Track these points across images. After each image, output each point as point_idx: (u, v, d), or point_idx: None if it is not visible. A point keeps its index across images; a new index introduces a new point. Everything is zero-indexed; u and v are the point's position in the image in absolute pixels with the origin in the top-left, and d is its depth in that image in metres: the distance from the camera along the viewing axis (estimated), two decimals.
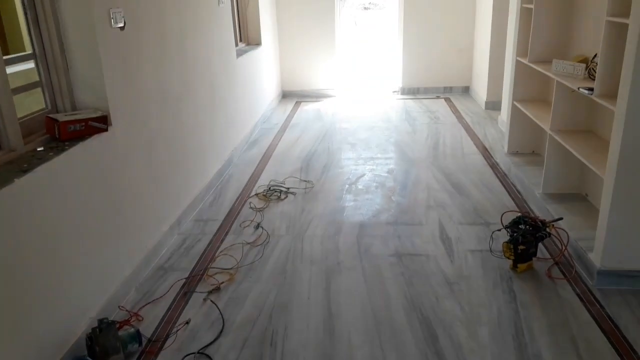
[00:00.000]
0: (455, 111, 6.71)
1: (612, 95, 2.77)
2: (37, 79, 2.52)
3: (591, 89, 2.95)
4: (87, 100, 2.65)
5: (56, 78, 2.57)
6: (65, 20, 2.52)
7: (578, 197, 3.61)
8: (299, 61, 7.84)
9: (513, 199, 3.92)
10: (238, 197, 4.21)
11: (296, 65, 7.87)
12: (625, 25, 2.55)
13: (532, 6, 3.94)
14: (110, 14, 2.68)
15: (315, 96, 7.92)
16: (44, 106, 2.57)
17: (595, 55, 3.19)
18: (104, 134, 2.59)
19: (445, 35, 7.46)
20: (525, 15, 4.18)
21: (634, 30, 2.38)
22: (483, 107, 6.70)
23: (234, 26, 5.59)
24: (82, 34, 2.55)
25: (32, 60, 2.51)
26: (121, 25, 2.80)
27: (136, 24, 2.99)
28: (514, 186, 4.15)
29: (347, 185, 4.38)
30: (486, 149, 5.12)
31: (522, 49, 4.25)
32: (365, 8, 27.90)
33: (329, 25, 7.62)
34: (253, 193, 4.29)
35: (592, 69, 3.21)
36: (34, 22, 2.46)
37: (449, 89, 7.73)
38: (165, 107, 3.41)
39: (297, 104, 7.57)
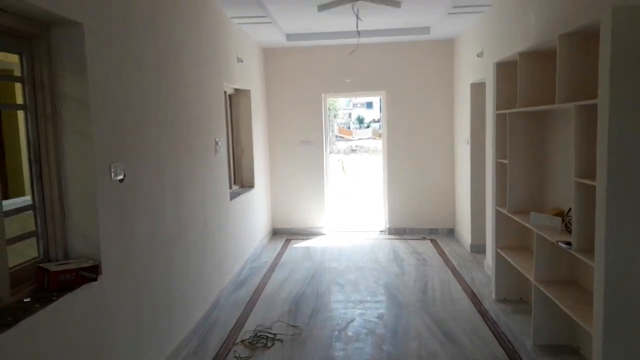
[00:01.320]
0: (441, 253, 6.81)
1: (590, 249, 2.88)
2: (33, 224, 2.60)
3: (569, 243, 3.07)
4: (80, 249, 2.70)
5: (52, 228, 2.64)
6: (67, 174, 2.67)
7: (570, 350, 3.55)
8: (290, 201, 8.12)
9: (505, 350, 3.84)
10: (223, 344, 4.08)
11: (287, 205, 8.14)
12: (593, 186, 2.75)
13: (506, 161, 4.25)
14: (111, 167, 2.85)
15: (305, 234, 8.06)
16: (37, 255, 2.61)
17: (570, 210, 3.38)
18: (93, 283, 2.60)
19: (427, 179, 7.86)
20: (500, 168, 4.49)
21: (601, 193, 2.56)
22: (468, 249, 6.83)
23: (229, 170, 5.88)
24: (82, 187, 2.68)
25: (31, 210, 2.60)
26: (121, 177, 2.97)
27: (135, 175, 3.16)
28: (505, 336, 4.08)
29: (336, 332, 4.28)
30: (474, 295, 5.11)
31: (500, 200, 4.48)
32: (352, 150, 29.56)
33: (319, 168, 8.04)
34: (239, 340, 4.16)
35: (569, 222, 3.38)
36: (38, 176, 2.60)
37: (434, 231, 7.92)
38: (156, 254, 3.45)
39: (287, 241, 7.66)
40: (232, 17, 5.73)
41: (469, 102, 6.62)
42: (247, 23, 6.05)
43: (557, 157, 3.91)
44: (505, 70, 4.42)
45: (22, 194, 3.09)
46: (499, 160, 4.50)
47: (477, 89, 6.49)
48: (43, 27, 2.53)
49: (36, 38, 2.52)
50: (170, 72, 3.79)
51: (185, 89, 4.14)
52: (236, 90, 6.68)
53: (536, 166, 4.21)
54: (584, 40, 3.10)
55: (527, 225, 3.75)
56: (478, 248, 6.65)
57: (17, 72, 2.53)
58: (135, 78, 3.19)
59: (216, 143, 5.05)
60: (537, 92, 3.88)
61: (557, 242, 3.21)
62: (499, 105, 4.46)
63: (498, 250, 4.50)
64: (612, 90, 2.45)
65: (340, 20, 6.25)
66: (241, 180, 6.88)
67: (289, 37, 7.20)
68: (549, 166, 4.08)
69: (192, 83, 4.33)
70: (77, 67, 2.59)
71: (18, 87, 2.56)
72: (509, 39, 4.89)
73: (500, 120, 4.46)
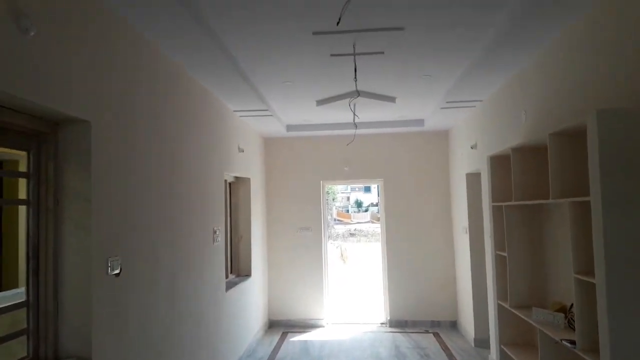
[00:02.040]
0: (445, 348, 6.56)
1: (594, 348, 2.80)
2: (25, 320, 2.53)
3: (574, 342, 2.98)
4: (72, 347, 2.62)
5: (44, 324, 2.58)
6: (64, 269, 2.65)
7: None
8: (287, 290, 7.96)
9: None
10: None
11: (284, 294, 7.97)
12: (593, 285, 2.72)
13: (505, 254, 4.23)
14: (108, 262, 2.84)
15: (302, 326, 7.81)
16: (26, 354, 2.52)
17: (572, 305, 3.31)
18: None
19: (427, 268, 7.77)
20: (499, 261, 4.46)
21: (601, 292, 2.53)
22: (472, 344, 6.59)
23: (226, 259, 5.83)
24: (78, 282, 2.65)
25: (24, 307, 2.55)
26: (117, 272, 2.94)
27: (131, 269, 3.13)
28: None
29: None
30: None
31: (502, 293, 4.41)
32: (351, 234, 29.46)
33: (317, 255, 7.97)
34: None
35: (571, 318, 3.30)
36: (34, 270, 2.58)
37: (436, 323, 7.70)
38: (149, 349, 3.34)
39: (284, 334, 7.40)
40: (235, 111, 5.97)
41: (465, 191, 6.72)
42: (249, 116, 6.29)
43: (557, 249, 3.90)
44: (499, 163, 4.53)
45: (15, 286, 3.05)
46: (497, 252, 4.48)
47: (473, 179, 6.61)
48: (52, 125, 2.63)
49: (44, 135, 2.61)
50: (172, 165, 3.88)
51: (186, 180, 4.22)
52: (236, 178, 6.80)
53: (536, 258, 4.18)
54: (573, 138, 3.21)
55: (530, 321, 3.66)
56: (482, 342, 6.42)
57: (23, 163, 2.60)
58: (137, 172, 3.27)
59: (214, 232, 5.05)
60: (532, 186, 3.96)
61: (561, 340, 3.12)
62: (494, 197, 4.52)
63: (502, 347, 4.36)
64: (604, 189, 2.51)
65: (338, 113, 6.50)
66: (238, 268, 6.79)
67: (289, 127, 7.45)
68: (549, 258, 4.06)
69: (194, 174, 4.42)
70: (82, 163, 2.66)
71: (22, 180, 2.62)
72: (501, 133, 5.06)
73: (496, 212, 4.50)
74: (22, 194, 2.64)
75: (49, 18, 2.32)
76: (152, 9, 2.95)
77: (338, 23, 2.36)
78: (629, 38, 2.66)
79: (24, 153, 2.59)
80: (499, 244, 4.47)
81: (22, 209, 2.62)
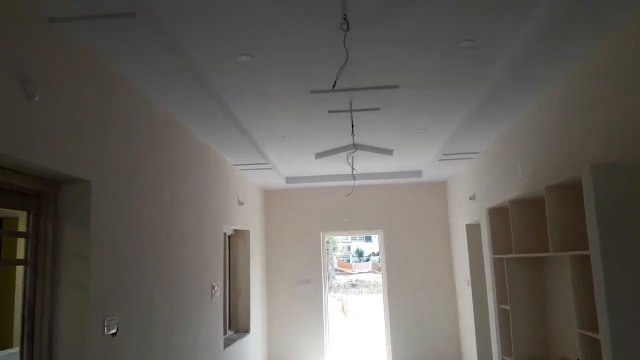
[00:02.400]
0: None
1: None
2: None
3: None
4: None
5: None
6: (60, 329, 2.60)
7: None
8: (287, 346, 7.77)
9: None
10: None
11: (285, 350, 7.77)
12: (598, 340, 2.67)
13: (508, 307, 4.17)
14: (104, 322, 2.79)
15: None
16: None
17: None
18: None
19: (430, 322, 7.61)
20: (502, 314, 4.38)
21: (606, 347, 2.48)
22: None
23: (224, 315, 5.73)
24: (73, 344, 2.60)
25: None
26: (113, 331, 2.89)
27: (127, 328, 3.08)
28: None
29: None
30: None
31: (506, 348, 4.31)
32: (352, 285, 29.03)
33: (318, 309, 7.83)
34: None
35: None
36: (29, 332, 2.53)
37: None
38: None
39: None
40: (234, 164, 6.04)
41: (465, 242, 6.69)
42: (249, 169, 6.36)
43: (560, 301, 3.85)
44: (498, 215, 4.54)
45: (10, 346, 2.99)
46: (500, 305, 4.41)
47: (473, 229, 6.60)
48: (53, 185, 2.66)
49: (45, 195, 2.64)
50: (171, 220, 3.89)
51: (185, 236, 4.21)
52: (235, 231, 6.78)
53: (539, 311, 4.12)
54: (570, 190, 3.24)
55: None
56: None
57: (22, 220, 2.61)
58: (136, 230, 3.27)
59: (212, 287, 4.99)
60: (532, 238, 3.95)
61: None
62: (495, 250, 4.50)
63: None
64: (603, 243, 2.51)
65: (337, 165, 6.57)
66: (236, 324, 6.66)
67: (289, 180, 7.51)
68: (553, 311, 4.00)
69: (192, 229, 4.42)
70: (82, 222, 2.67)
71: (20, 239, 2.62)
72: (498, 185, 5.10)
73: (498, 264, 4.47)
74: (20, 253, 2.63)
75: (52, 82, 2.40)
76: (153, 69, 3.05)
77: (334, 86, 2.44)
78: (618, 93, 2.74)
79: (24, 212, 2.61)
80: (501, 297, 4.41)
81: (20, 268, 2.61)
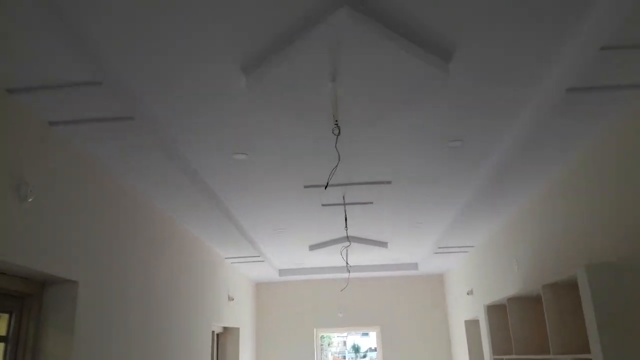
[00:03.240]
0: None
1: None
2: None
3: None
4: None
5: None
6: None
7: None
8: None
9: None
10: None
11: None
12: None
13: None
14: None
15: None
16: None
17: None
18: None
19: None
20: None
21: None
22: None
23: None
24: None
25: None
26: None
27: None
28: None
29: None
30: None
31: None
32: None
33: None
34: None
35: None
36: None
37: None
38: None
39: None
40: (226, 258, 5.96)
41: (465, 339, 6.45)
42: (241, 262, 6.26)
43: None
44: (497, 312, 4.42)
45: None
46: None
47: (472, 326, 6.39)
48: (38, 287, 2.59)
49: (29, 297, 2.55)
50: (159, 322, 3.75)
51: (173, 338, 4.04)
52: (225, 328, 6.53)
53: None
54: (568, 289, 3.18)
55: None
56: None
57: (2, 322, 2.49)
58: (122, 333, 3.14)
59: None
60: (532, 337, 3.82)
61: None
62: (495, 349, 4.33)
63: None
64: (604, 347, 2.42)
65: (331, 257, 6.49)
66: None
67: (281, 272, 7.38)
68: None
69: (181, 330, 4.25)
70: (65, 326, 2.56)
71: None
72: (495, 281, 5.02)
73: None
74: None
75: (46, 183, 2.42)
76: (145, 167, 3.08)
77: (326, 187, 2.47)
78: (608, 193, 2.78)
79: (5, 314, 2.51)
80: None
81: None
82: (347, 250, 5.83)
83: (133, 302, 3.31)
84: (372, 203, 4.22)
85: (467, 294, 6.10)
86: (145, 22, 1.83)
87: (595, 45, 1.94)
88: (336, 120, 2.18)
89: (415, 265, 7.22)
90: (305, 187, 3.74)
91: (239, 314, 6.62)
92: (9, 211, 2.11)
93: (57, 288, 2.62)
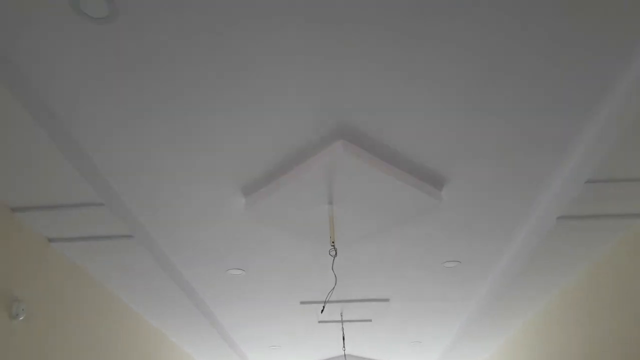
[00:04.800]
0: None
1: None
2: None
3: None
4: None
5: None
6: None
7: None
8: None
9: None
10: None
11: None
12: None
13: None
14: None
15: None
16: None
17: None
18: None
19: None
20: None
21: None
22: None
23: None
24: None
25: None
26: None
27: None
28: None
29: None
30: None
31: None
32: None
33: None
34: None
35: None
36: None
37: None
38: None
39: None
40: None
41: None
42: None
43: None
44: None
45: None
46: None
47: None
48: None
49: None
50: None
51: None
52: None
53: None
54: None
55: None
56: None
57: None
58: None
59: None
60: None
61: None
62: None
63: None
64: None
65: None
66: None
67: None
68: None
69: None
70: None
71: None
72: None
73: None
74: None
75: (38, 301, 2.39)
76: (143, 286, 3.06)
77: (322, 310, 2.44)
78: (608, 316, 2.72)
79: None
80: None
81: None
82: None
83: None
84: (370, 320, 4.12)
85: None
86: (146, 150, 1.94)
87: (581, 179, 2.03)
88: (333, 242, 2.21)
89: None
90: (302, 303, 3.67)
91: None
92: None
93: None
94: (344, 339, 4.26)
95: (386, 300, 3.65)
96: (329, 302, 3.63)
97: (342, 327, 4.21)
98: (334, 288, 2.89)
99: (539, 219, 2.42)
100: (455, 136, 1.90)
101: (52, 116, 1.77)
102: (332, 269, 2.51)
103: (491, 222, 2.54)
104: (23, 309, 2.17)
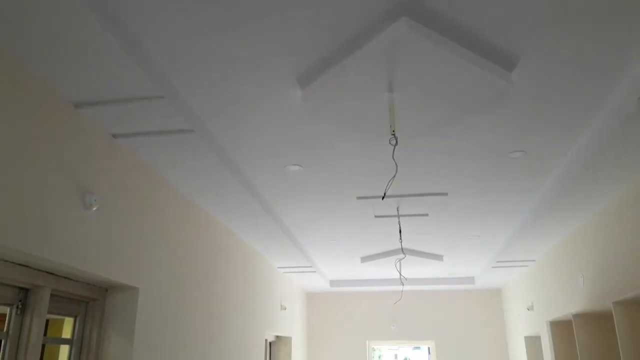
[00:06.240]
0: None
1: None
2: None
3: None
4: None
5: None
6: None
7: None
8: None
9: None
10: None
11: None
12: None
13: None
14: None
15: None
16: None
17: None
18: None
19: None
20: None
21: None
22: None
23: None
24: None
25: None
26: None
27: None
28: None
29: None
30: None
31: None
32: None
33: None
34: None
35: None
36: None
37: None
38: None
39: None
40: (279, 267, 5.99)
41: (525, 355, 6.16)
42: (293, 272, 6.28)
43: None
44: (561, 328, 4.20)
45: None
46: None
47: (533, 342, 6.10)
48: (101, 292, 2.68)
49: (93, 301, 2.65)
50: (215, 329, 3.80)
51: (227, 343, 4.09)
52: (277, 337, 6.55)
53: None
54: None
55: None
56: None
57: (67, 324, 2.60)
58: (180, 336, 3.20)
59: None
60: (601, 355, 3.59)
61: None
62: None
63: None
64: None
65: (383, 269, 6.40)
66: None
67: (333, 283, 7.34)
68: None
69: (235, 336, 4.30)
70: (126, 329, 2.64)
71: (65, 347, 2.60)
72: (558, 296, 4.77)
73: None
74: (64, 358, 2.60)
75: (109, 193, 2.51)
76: (203, 178, 3.15)
77: (383, 198, 2.42)
78: None
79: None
80: None
81: None
82: (400, 262, 5.72)
83: (191, 309, 3.38)
84: (427, 215, 4.12)
85: (527, 309, 5.83)
86: (204, 39, 1.87)
87: None
88: (393, 131, 2.13)
89: (472, 279, 6.99)
90: (359, 198, 3.70)
91: (291, 323, 6.63)
92: (74, 220, 2.20)
93: (119, 294, 2.70)
94: (400, 232, 4.31)
95: (444, 194, 3.61)
96: (386, 196, 3.63)
97: (399, 222, 4.25)
98: (394, 176, 2.85)
99: (619, 100, 2.22)
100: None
101: (112, 8, 1.71)
102: (393, 158, 2.45)
103: (564, 107, 2.36)
104: (95, 200, 2.28)
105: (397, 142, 2.17)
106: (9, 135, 1.85)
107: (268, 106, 2.37)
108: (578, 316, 3.73)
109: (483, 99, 2.19)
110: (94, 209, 2.29)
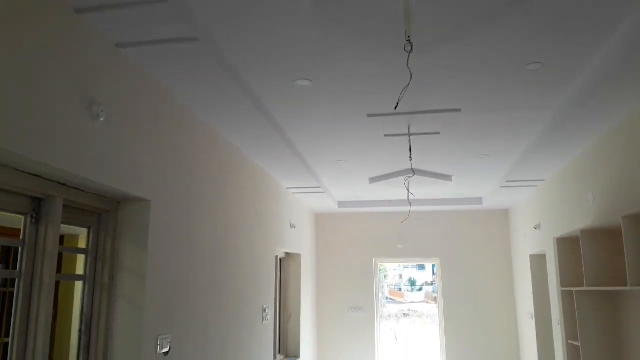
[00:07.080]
0: None
1: None
2: None
3: None
4: None
5: None
6: (114, 346, 2.62)
7: None
8: None
9: None
10: None
11: None
12: None
13: (578, 344, 3.86)
14: (158, 340, 2.79)
15: None
16: None
17: None
18: None
19: (491, 357, 7.21)
20: (572, 351, 4.06)
21: None
22: None
23: (274, 339, 5.65)
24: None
25: None
26: (166, 350, 2.88)
27: (179, 348, 3.06)
28: None
29: None
30: None
31: None
32: (404, 314, 28.24)
33: (370, 337, 7.62)
34: None
35: None
36: (85, 346, 2.56)
37: None
38: None
39: None
40: (288, 188, 6.04)
41: (529, 273, 6.32)
42: (302, 193, 6.34)
43: (638, 339, 3.51)
44: (567, 245, 4.25)
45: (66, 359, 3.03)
46: (569, 341, 4.09)
47: (538, 260, 6.24)
48: (114, 204, 2.72)
49: (106, 213, 2.69)
50: (225, 242, 3.89)
51: (238, 258, 4.20)
52: (287, 254, 6.75)
53: (613, 349, 3.78)
54: None
55: None
56: None
57: (82, 237, 2.67)
58: (192, 250, 3.28)
59: (264, 310, 4.95)
60: (605, 270, 3.66)
61: None
62: (563, 282, 4.20)
63: None
64: None
65: (391, 190, 6.44)
66: (286, 349, 6.56)
67: (341, 204, 7.43)
68: (629, 349, 3.65)
69: (246, 251, 4.41)
70: (140, 241, 2.70)
71: (80, 256, 2.68)
72: (566, 214, 4.80)
73: (566, 297, 4.16)
74: (80, 269, 2.68)
75: (117, 104, 2.46)
76: (212, 94, 3.08)
77: (396, 107, 2.35)
78: None
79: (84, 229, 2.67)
80: (570, 333, 4.09)
81: (79, 283, 2.66)
82: (409, 182, 5.74)
83: (203, 222, 3.44)
84: (438, 133, 4.06)
85: (534, 228, 5.91)
86: None
87: None
88: (409, 36, 2.03)
89: (480, 200, 7.04)
90: (369, 116, 3.62)
91: (300, 241, 6.80)
92: (82, 130, 2.18)
93: (132, 206, 2.74)
94: (410, 151, 4.27)
95: (457, 110, 3.52)
96: (396, 114, 3.55)
97: (410, 140, 4.20)
98: (408, 84, 2.76)
99: None
100: None
101: None
102: (407, 65, 2.36)
103: (587, 13, 2.22)
104: (102, 110, 2.24)
105: (412, 48, 2.07)
106: (10, 42, 1.78)
107: (276, 12, 2.25)
108: (585, 232, 3.76)
109: (501, 4, 2.06)
110: (102, 119, 2.26)
